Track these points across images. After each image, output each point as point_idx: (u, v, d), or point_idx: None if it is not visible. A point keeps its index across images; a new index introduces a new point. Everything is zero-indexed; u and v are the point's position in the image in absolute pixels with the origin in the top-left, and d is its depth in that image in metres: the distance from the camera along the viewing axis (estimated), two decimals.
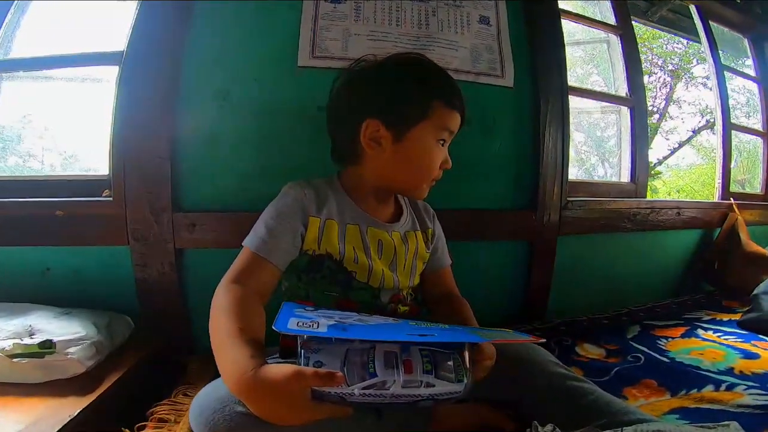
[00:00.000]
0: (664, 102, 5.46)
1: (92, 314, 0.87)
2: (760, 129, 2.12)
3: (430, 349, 0.55)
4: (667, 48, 5.29)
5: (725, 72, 1.96)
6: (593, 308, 1.33)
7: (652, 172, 4.96)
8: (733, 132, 1.94)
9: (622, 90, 1.62)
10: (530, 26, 1.26)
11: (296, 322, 0.53)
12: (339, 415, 0.50)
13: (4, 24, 1.03)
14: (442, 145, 0.78)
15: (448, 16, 1.17)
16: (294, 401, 0.48)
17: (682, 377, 0.89)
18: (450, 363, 0.54)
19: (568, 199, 1.29)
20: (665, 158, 4.93)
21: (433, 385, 0.52)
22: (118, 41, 1.00)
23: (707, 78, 2.42)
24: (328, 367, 0.50)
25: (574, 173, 1.35)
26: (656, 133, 5.17)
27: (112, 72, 1.01)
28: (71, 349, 0.75)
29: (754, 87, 2.18)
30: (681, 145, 5.12)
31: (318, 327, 0.53)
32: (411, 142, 0.74)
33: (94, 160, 1.11)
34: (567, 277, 1.34)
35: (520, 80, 1.23)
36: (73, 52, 1.05)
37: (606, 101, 1.61)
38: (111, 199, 0.94)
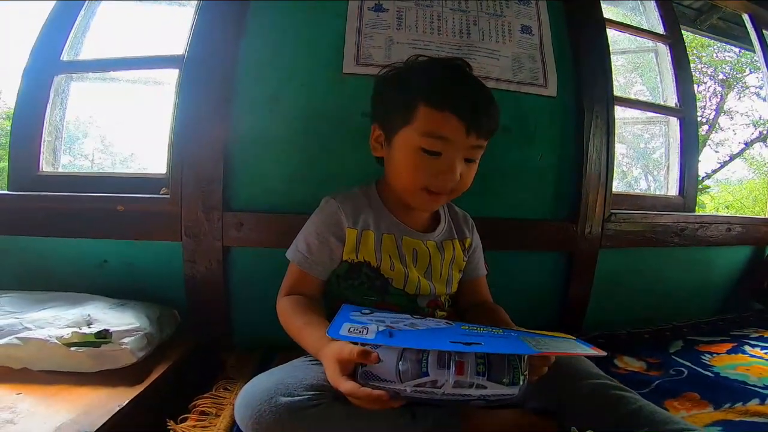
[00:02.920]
0: (714, 112, 5.33)
1: (144, 306, 0.95)
2: None
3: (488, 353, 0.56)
4: (717, 57, 5.19)
5: None
6: (634, 323, 1.35)
7: (700, 186, 4.84)
8: None
9: (671, 100, 1.63)
10: (574, 35, 1.31)
11: (348, 327, 0.60)
12: (378, 407, 0.56)
13: (74, 26, 1.15)
14: (434, 155, 0.73)
15: (489, 25, 1.23)
16: (335, 371, 0.58)
17: (726, 391, 0.91)
18: (505, 366, 0.55)
19: (612, 211, 1.31)
20: (714, 172, 4.80)
21: (485, 387, 0.54)
22: (179, 45, 1.10)
23: (761, 88, 2.38)
24: (385, 362, 0.56)
25: (615, 185, 1.38)
26: (705, 145, 5.05)
27: (172, 75, 1.11)
28: (125, 340, 0.81)
29: None
30: (732, 158, 4.98)
31: (367, 333, 0.58)
32: (395, 148, 0.77)
33: (151, 159, 1.22)
34: (607, 291, 1.36)
35: (564, 89, 1.27)
36: (137, 54, 1.16)
37: (654, 111, 1.63)
38: (168, 196, 1.04)
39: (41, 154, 1.12)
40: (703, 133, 5.09)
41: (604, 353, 0.59)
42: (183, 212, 1.03)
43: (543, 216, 1.28)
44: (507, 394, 0.55)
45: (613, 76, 1.36)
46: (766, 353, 1.13)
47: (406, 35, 1.16)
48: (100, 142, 1.31)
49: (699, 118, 4.71)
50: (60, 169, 1.17)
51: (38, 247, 1.06)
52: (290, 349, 0.78)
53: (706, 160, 4.99)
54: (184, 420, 0.74)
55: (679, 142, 1.59)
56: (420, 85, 0.74)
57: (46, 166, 1.13)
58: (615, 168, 1.32)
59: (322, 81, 1.11)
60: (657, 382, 0.96)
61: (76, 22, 1.15)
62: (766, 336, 1.27)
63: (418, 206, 0.82)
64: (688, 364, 1.07)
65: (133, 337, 0.82)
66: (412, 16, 1.18)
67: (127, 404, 0.70)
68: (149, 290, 1.05)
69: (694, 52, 4.93)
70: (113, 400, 0.70)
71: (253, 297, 1.09)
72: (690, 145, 1.59)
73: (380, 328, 0.60)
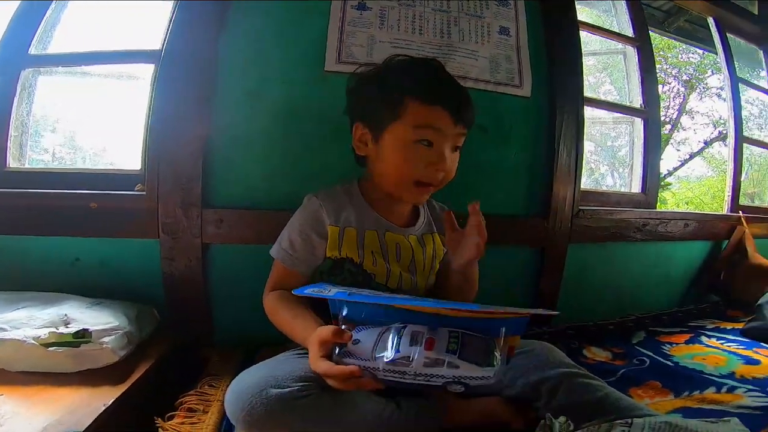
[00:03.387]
0: (677, 112, 5.54)
1: (121, 305, 0.93)
2: None
3: (462, 332, 0.57)
4: (682, 58, 5.37)
5: (739, 84, 2.04)
6: (600, 315, 1.40)
7: (662, 183, 5.03)
8: (745, 144, 2.00)
9: (637, 101, 1.69)
10: (549, 37, 1.34)
11: (312, 289, 0.65)
12: (352, 387, 0.60)
13: (44, 19, 1.10)
14: (427, 144, 0.77)
15: (469, 26, 1.25)
16: (314, 353, 0.61)
17: (685, 380, 0.96)
18: (480, 346, 0.56)
19: (580, 207, 1.36)
20: (675, 169, 5.01)
21: (457, 366, 0.54)
22: (155, 40, 1.07)
23: (721, 89, 2.50)
24: (362, 343, 0.58)
25: (583, 182, 1.42)
26: (667, 144, 5.25)
27: (146, 70, 1.08)
28: (105, 339, 0.79)
29: (767, 99, 2.26)
30: (692, 156, 5.20)
31: (329, 292, 0.62)
32: (386, 143, 0.79)
33: (125, 155, 1.19)
34: (576, 284, 1.42)
35: (537, 90, 1.31)
36: (111, 49, 1.13)
37: (620, 112, 1.68)
38: (144, 193, 1.02)
39: (8, 149, 1.07)
40: (666, 132, 5.28)
41: (555, 313, 0.62)
42: (160, 209, 1.01)
43: (516, 212, 1.32)
44: (481, 376, 0.54)
45: (584, 77, 1.40)
46: (721, 343, 1.20)
47: (388, 34, 1.17)
48: (70, 137, 1.27)
49: (663, 118, 4.88)
50: (28, 165, 1.13)
51: (7, 245, 1.02)
52: (274, 345, 0.80)
53: (668, 158, 5.21)
54: (172, 417, 0.74)
55: (642, 141, 1.65)
56: (408, 83, 0.78)
57: (13, 162, 1.09)
58: (584, 165, 1.37)
59: (303, 78, 1.11)
60: (622, 371, 1.01)
61: (46, 15, 1.11)
62: (721, 327, 1.35)
63: (409, 200, 0.85)
64: (650, 353, 1.12)
65: (113, 336, 0.81)
66: (395, 16, 1.19)
67: (112, 403, 0.69)
68: (125, 288, 1.02)
69: (661, 53, 5.09)
70: (97, 399, 0.69)
71: (235, 294, 1.08)
72: (653, 145, 1.66)
73: (341, 290, 0.64)
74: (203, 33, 1.04)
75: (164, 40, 1.05)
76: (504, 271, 1.33)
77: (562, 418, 0.66)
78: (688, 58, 5.34)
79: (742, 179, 1.96)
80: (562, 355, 0.80)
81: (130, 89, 1.17)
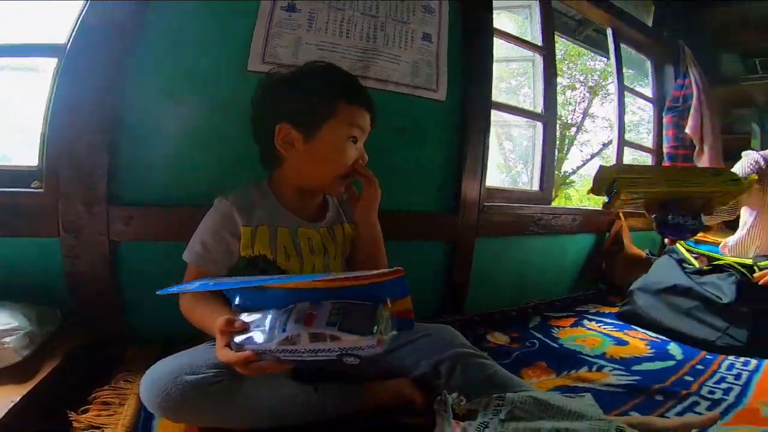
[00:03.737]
0: (582, 116, 6.02)
1: (19, 306, 0.87)
2: (651, 146, 2.49)
3: (345, 304, 0.57)
4: (589, 65, 5.84)
5: (625, 92, 2.27)
6: (506, 302, 1.53)
7: (567, 180, 5.49)
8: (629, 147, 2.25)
9: (540, 106, 1.83)
10: (466, 44, 1.42)
11: (199, 284, 0.69)
12: (253, 372, 0.61)
13: None
14: (354, 142, 0.85)
15: (394, 31, 1.28)
16: (218, 343, 0.63)
17: (566, 360, 1.08)
18: (362, 315, 0.55)
19: (485, 204, 1.47)
20: (578, 168, 5.50)
21: (339, 338, 0.54)
22: (60, 35, 0.99)
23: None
24: (258, 327, 0.59)
25: (501, 179, 1.53)
26: (572, 145, 5.73)
27: (49, 63, 0.99)
28: (6, 339, 0.77)
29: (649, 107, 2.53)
30: (592, 156, 5.73)
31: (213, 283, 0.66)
32: (321, 141, 0.82)
33: (19, 150, 1.08)
34: (483, 275, 1.53)
35: (452, 94, 1.38)
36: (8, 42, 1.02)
37: (523, 116, 1.82)
38: (42, 190, 0.94)
39: None
40: (572, 133, 5.76)
41: (401, 273, 0.59)
42: (61, 206, 0.95)
43: (430, 209, 1.40)
44: (365, 345, 0.54)
45: (505, 80, 1.50)
46: (599, 326, 1.36)
47: (315, 37, 1.17)
48: None
49: (569, 120, 5.25)
50: None
51: None
52: (191, 341, 0.79)
53: (573, 158, 5.70)
54: (86, 411, 0.73)
55: (541, 144, 1.81)
56: (339, 86, 0.85)
57: None
58: (503, 163, 1.48)
59: (224, 77, 1.09)
60: (516, 353, 1.12)
61: None
62: (602, 311, 1.54)
63: (334, 192, 0.91)
64: (541, 336, 1.25)
65: (13, 336, 0.78)
66: (323, 18, 1.18)
67: (20, 400, 0.67)
68: (26, 289, 0.94)
69: (572, 59, 5.49)
70: (4, 397, 0.67)
71: (147, 290, 1.02)
72: (549, 147, 1.82)
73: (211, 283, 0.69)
74: (113, 31, 0.97)
75: (70, 35, 0.97)
76: (420, 265, 1.40)
77: (454, 395, 0.71)
78: (594, 65, 5.81)
79: None
80: (460, 337, 0.86)
81: (28, 82, 1.06)
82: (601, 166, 0.87)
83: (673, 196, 0.85)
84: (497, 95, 1.68)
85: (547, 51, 1.86)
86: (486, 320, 1.37)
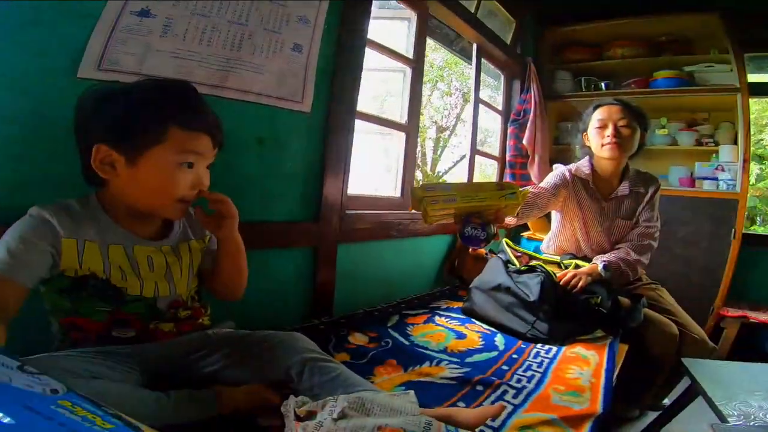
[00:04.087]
0: (455, 121, 6.50)
1: None
2: (497, 155, 2.78)
3: None
4: (465, 73, 6.30)
5: (480, 104, 2.51)
6: (372, 303, 1.59)
7: (441, 179, 5.90)
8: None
9: (404, 116, 1.93)
10: (338, 56, 1.43)
11: None
12: None
13: None
14: (190, 166, 0.79)
15: (263, 41, 1.22)
16: None
17: (413, 357, 1.16)
18: None
19: (346, 211, 1.52)
20: (450, 168, 5.96)
21: None
22: None
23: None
24: None
25: (372, 186, 1.61)
26: (446, 147, 6.19)
27: None
28: None
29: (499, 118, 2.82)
30: (461, 158, 6.25)
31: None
32: (146, 167, 0.75)
33: None
34: (348, 278, 1.57)
35: (317, 105, 1.38)
36: None
37: (388, 126, 1.89)
38: None
39: None
40: (447, 136, 6.22)
41: None
42: None
43: (292, 218, 1.39)
44: None
45: (381, 88, 1.55)
46: (447, 321, 1.47)
47: (169, 44, 1.06)
48: None
49: (444, 125, 5.62)
50: None
51: None
52: None
53: (445, 160, 6.15)
54: None
55: (403, 152, 1.91)
56: (171, 110, 0.76)
57: None
58: (375, 170, 1.53)
59: (52, 85, 0.92)
60: (372, 352, 1.17)
61: None
62: (451, 306, 1.66)
63: (170, 216, 0.85)
64: (396, 335, 1.32)
65: None
66: (182, 25, 1.08)
67: None
68: None
69: (452, 68, 5.86)
70: None
71: None
72: (410, 156, 1.93)
73: None
74: None
75: None
76: (286, 271, 1.40)
77: (299, 398, 0.74)
78: (469, 74, 6.27)
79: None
80: (308, 343, 0.89)
81: None
82: (413, 188, 0.97)
83: (469, 211, 0.99)
84: (367, 104, 1.73)
85: (417, 64, 1.94)
86: (350, 322, 1.41)
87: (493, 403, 0.93)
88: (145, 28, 1.03)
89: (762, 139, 4.98)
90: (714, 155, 2.55)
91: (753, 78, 2.50)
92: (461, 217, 1.01)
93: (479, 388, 1.00)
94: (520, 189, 1.02)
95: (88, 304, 0.77)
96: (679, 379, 1.55)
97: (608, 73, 2.87)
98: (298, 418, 0.69)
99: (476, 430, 0.77)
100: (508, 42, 2.67)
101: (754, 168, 4.80)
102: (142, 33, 1.03)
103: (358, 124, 1.62)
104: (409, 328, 1.39)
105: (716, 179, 2.47)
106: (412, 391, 0.83)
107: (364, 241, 1.63)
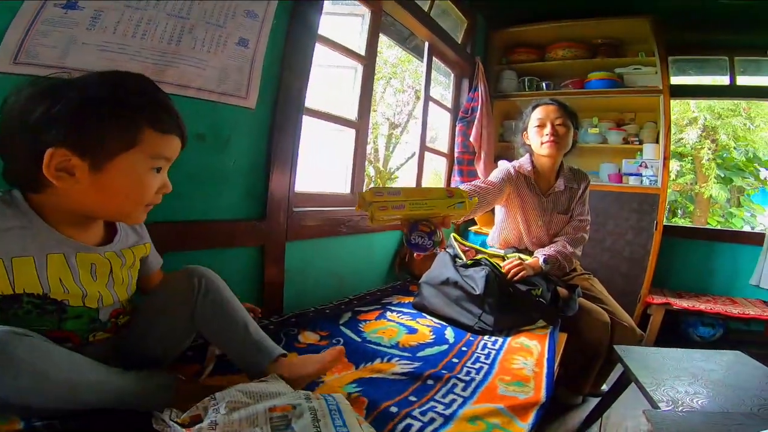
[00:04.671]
0: (407, 118, 6.54)
1: None
2: (446, 151, 2.82)
3: None
4: (419, 71, 6.29)
5: (430, 102, 2.51)
6: (323, 301, 1.56)
7: (393, 176, 5.93)
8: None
9: (354, 113, 1.89)
10: (288, 51, 1.37)
11: None
12: None
13: None
14: (158, 171, 0.73)
15: (205, 35, 1.15)
16: None
17: (365, 354, 1.13)
18: None
19: (294, 209, 1.47)
20: (402, 165, 6.00)
21: None
22: None
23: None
24: None
25: (321, 183, 1.57)
26: (398, 143, 6.22)
27: None
28: None
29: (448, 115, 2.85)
30: (412, 155, 6.29)
31: None
32: (115, 173, 0.67)
33: None
34: (299, 276, 1.53)
35: (263, 101, 1.32)
36: None
37: (338, 123, 1.84)
38: None
39: None
40: (399, 133, 6.25)
41: None
42: None
43: (237, 216, 1.33)
44: None
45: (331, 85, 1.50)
46: (399, 316, 1.46)
47: (97, 36, 0.96)
48: None
49: (397, 121, 5.64)
50: None
51: None
52: None
53: (397, 156, 6.19)
54: None
55: (353, 149, 1.88)
56: (146, 110, 0.69)
57: None
58: (326, 166, 1.49)
59: None
60: (323, 350, 1.12)
61: None
62: (403, 302, 1.65)
63: (135, 221, 0.81)
64: (348, 332, 1.29)
65: None
66: (113, 18, 0.99)
67: None
68: None
69: (405, 65, 5.85)
70: None
71: None
72: (360, 153, 1.90)
73: None
74: None
75: None
76: (232, 271, 1.31)
77: (167, 411, 0.71)
78: (421, 71, 6.28)
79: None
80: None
81: None
82: (360, 192, 0.95)
83: (416, 218, 0.99)
84: (318, 100, 1.68)
85: (368, 61, 1.91)
86: (300, 320, 1.37)
87: (443, 396, 0.94)
88: (70, 20, 0.94)
89: (682, 138, 5.42)
90: (639, 153, 2.71)
91: (675, 81, 2.69)
92: (409, 222, 1.00)
93: (430, 382, 1.00)
94: (469, 198, 1.02)
95: (25, 321, 0.66)
96: (613, 366, 1.64)
97: (549, 73, 2.98)
98: (184, 426, 0.67)
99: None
100: (459, 41, 2.70)
101: (675, 165, 5.23)
102: (66, 25, 0.94)
103: (309, 120, 1.58)
104: (361, 325, 1.37)
105: (640, 175, 2.64)
106: (275, 374, 0.82)
107: (313, 238, 1.58)
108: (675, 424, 0.90)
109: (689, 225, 5.04)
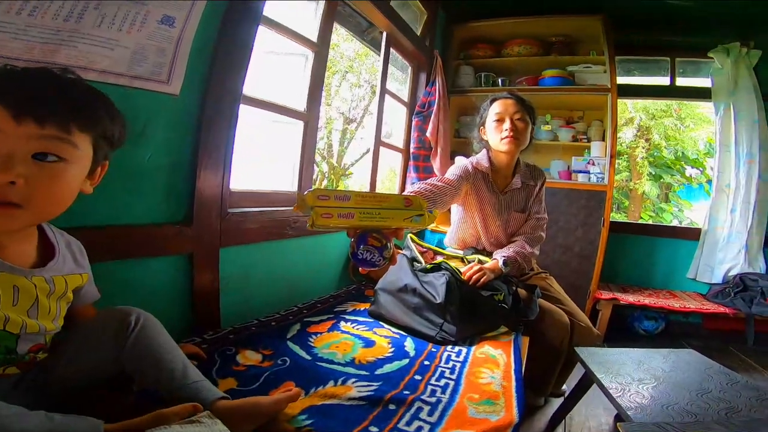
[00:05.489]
0: (362, 113, 6.35)
1: None
2: (401, 147, 2.69)
3: None
4: (376, 65, 6.08)
5: (386, 95, 2.37)
6: (270, 309, 1.37)
7: (347, 172, 5.75)
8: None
9: (303, 104, 1.70)
10: (223, 32, 1.16)
11: None
12: None
13: None
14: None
15: (117, 11, 0.94)
16: None
17: (316, 375, 0.97)
18: None
19: (229, 210, 1.26)
20: (357, 161, 5.83)
21: None
22: None
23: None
24: None
25: (269, 180, 1.37)
26: (353, 139, 6.02)
27: None
28: None
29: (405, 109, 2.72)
30: (367, 151, 6.11)
31: None
32: None
33: None
34: (237, 285, 1.33)
35: (190, 87, 1.11)
36: None
37: (284, 114, 1.65)
38: None
39: None
40: (353, 128, 6.05)
41: None
42: None
43: (155, 220, 1.11)
44: None
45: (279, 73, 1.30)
46: (353, 327, 1.30)
47: None
48: None
49: (352, 116, 5.46)
50: None
51: None
52: None
53: (352, 152, 5.99)
54: None
55: (301, 143, 1.69)
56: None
57: None
58: (268, 162, 1.29)
59: None
60: (266, 374, 0.96)
61: None
62: (358, 309, 1.48)
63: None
64: (296, 349, 1.11)
65: None
66: None
67: None
68: None
69: (362, 59, 5.63)
70: None
71: None
72: (309, 147, 1.71)
73: None
74: None
75: None
76: (151, 284, 1.11)
77: None
78: (378, 66, 6.07)
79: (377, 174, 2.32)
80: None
81: None
82: (300, 193, 0.78)
83: (367, 228, 0.84)
84: (263, 89, 1.48)
85: (321, 48, 1.73)
86: (240, 336, 1.17)
87: (408, 424, 0.81)
88: None
89: (620, 137, 5.66)
90: (587, 151, 2.72)
91: (621, 80, 2.71)
92: (356, 232, 0.84)
93: (392, 407, 0.86)
94: (429, 212, 0.88)
95: None
96: (573, 366, 1.58)
97: (506, 69, 2.94)
98: None
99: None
100: (419, 33, 2.58)
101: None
102: None
103: (250, 111, 1.37)
104: (311, 339, 1.19)
105: (588, 172, 2.64)
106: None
107: (255, 242, 1.38)
108: None
109: (628, 221, 5.27)
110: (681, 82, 2.86)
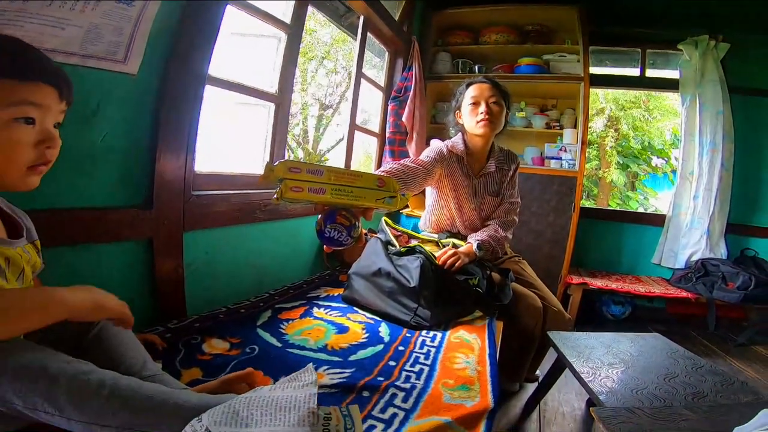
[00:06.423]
0: (339, 99, 6.21)
1: None
2: (377, 131, 2.63)
3: None
4: (352, 51, 5.92)
5: (362, 79, 2.29)
6: (240, 297, 1.30)
7: (323, 158, 5.63)
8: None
9: (275, 86, 1.62)
10: (187, 11, 1.08)
11: None
12: None
13: None
14: (30, 122, 0.60)
15: None
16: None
17: (284, 363, 0.92)
18: None
19: (193, 193, 1.17)
20: (333, 147, 5.71)
21: None
22: None
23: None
24: None
25: (240, 163, 1.29)
26: (329, 125, 5.89)
27: None
28: None
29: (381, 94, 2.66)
30: (343, 138, 6.00)
31: None
32: None
33: None
34: (204, 271, 1.25)
35: (149, 67, 1.03)
36: None
37: (254, 96, 1.54)
38: None
39: None
40: (329, 114, 5.91)
41: None
42: None
43: (111, 203, 1.02)
44: None
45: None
46: (326, 312, 1.24)
47: None
48: None
49: (328, 103, 5.32)
50: None
51: None
52: None
53: (329, 138, 5.86)
54: None
55: (272, 125, 1.60)
56: None
57: None
58: (242, 145, 1.20)
59: None
60: (233, 362, 0.91)
61: None
62: (332, 294, 1.42)
63: (23, 186, 0.64)
64: (267, 336, 1.06)
65: None
66: None
67: None
68: None
69: (339, 45, 5.47)
70: None
71: None
72: (280, 129, 1.63)
73: None
74: None
75: None
76: (110, 271, 1.03)
77: None
78: (354, 51, 5.92)
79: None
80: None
81: None
82: (269, 163, 0.72)
83: (336, 205, 0.79)
84: (234, 71, 1.38)
85: (294, 30, 1.64)
86: (206, 325, 1.10)
87: (382, 411, 0.77)
88: None
89: (590, 127, 5.74)
90: (559, 138, 2.73)
91: (593, 70, 2.71)
92: (325, 209, 0.79)
93: (365, 394, 0.82)
94: (402, 195, 0.84)
95: None
96: (546, 351, 1.57)
97: (482, 57, 2.90)
98: None
99: None
100: (397, 18, 2.50)
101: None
102: None
103: (219, 93, 1.29)
104: (282, 326, 1.14)
105: (560, 159, 2.65)
106: (310, 363, 0.69)
107: (222, 226, 1.30)
108: (625, 426, 0.80)
109: (596, 207, 5.38)
110: (651, 73, 2.89)
